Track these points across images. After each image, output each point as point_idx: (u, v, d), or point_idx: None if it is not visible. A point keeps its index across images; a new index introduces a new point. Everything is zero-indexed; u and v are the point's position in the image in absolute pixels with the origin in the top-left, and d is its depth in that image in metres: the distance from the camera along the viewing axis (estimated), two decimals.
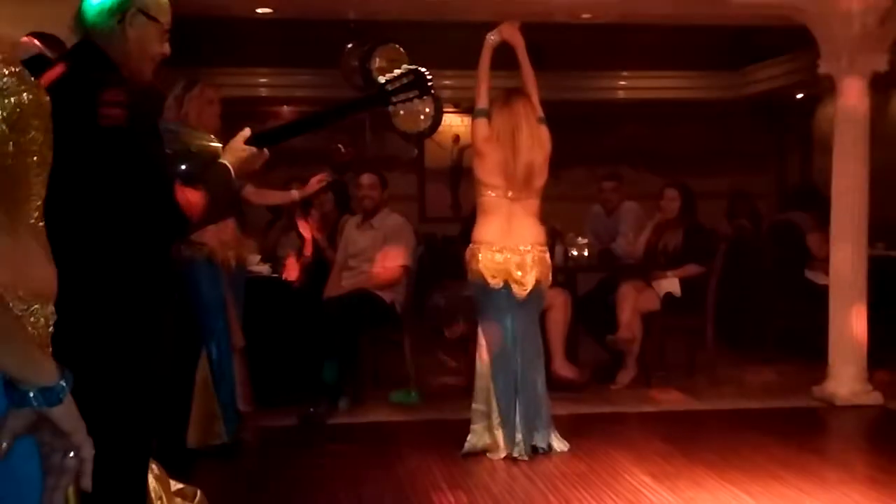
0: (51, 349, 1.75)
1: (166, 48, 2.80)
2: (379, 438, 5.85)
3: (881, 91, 8.76)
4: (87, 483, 1.53)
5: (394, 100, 3.28)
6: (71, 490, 1.58)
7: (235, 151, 2.94)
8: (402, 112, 3.76)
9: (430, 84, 3.31)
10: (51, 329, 1.75)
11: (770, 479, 4.88)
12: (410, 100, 3.31)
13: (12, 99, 1.70)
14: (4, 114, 1.68)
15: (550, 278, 5.46)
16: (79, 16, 2.71)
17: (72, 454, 1.50)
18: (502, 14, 6.08)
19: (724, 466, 5.11)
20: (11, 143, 1.69)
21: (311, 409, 6.05)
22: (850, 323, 6.53)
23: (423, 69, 3.29)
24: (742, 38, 10.12)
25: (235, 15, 8.11)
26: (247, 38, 9.22)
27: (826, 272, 6.93)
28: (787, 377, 7.27)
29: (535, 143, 5.28)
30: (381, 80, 3.25)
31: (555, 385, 6.41)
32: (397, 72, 3.27)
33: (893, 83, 9.17)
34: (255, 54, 10.03)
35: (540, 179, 5.31)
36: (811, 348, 7.01)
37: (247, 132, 2.97)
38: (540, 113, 5.36)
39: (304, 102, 11.42)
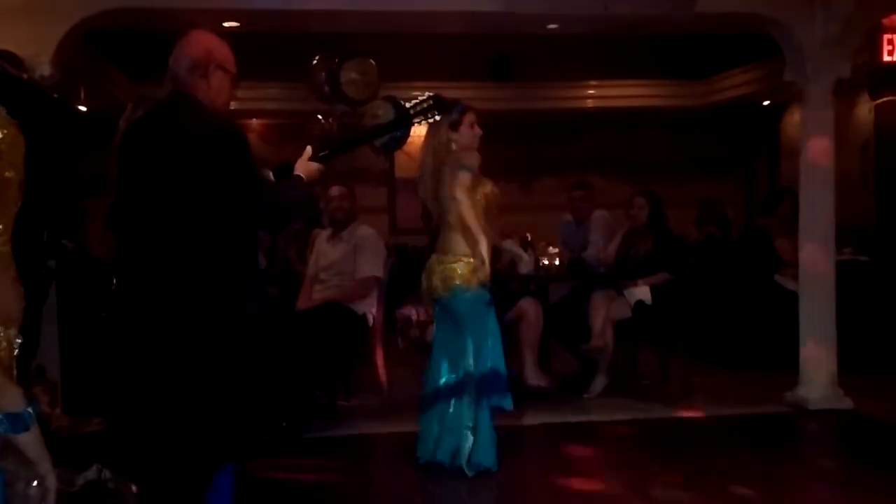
0: (16, 373, 1.72)
1: (234, 91, 3.55)
2: (351, 451, 5.82)
3: (846, 97, 8.86)
4: None
5: (415, 120, 4.17)
6: None
7: (306, 165, 3.54)
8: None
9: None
10: (15, 353, 1.73)
11: (743, 486, 4.89)
12: (428, 118, 4.27)
13: None
14: None
15: (459, 285, 5.12)
16: (171, 72, 3.42)
17: (35, 483, 1.48)
18: (470, 26, 6.10)
19: (698, 474, 5.12)
20: None
21: (283, 424, 6.00)
22: (821, 328, 6.57)
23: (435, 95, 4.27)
24: (708, 46, 10.20)
25: (203, 29, 8.06)
26: None
27: (796, 278, 6.98)
28: (759, 383, 7.29)
29: (434, 191, 5.27)
30: (407, 105, 4.14)
31: (527, 394, 6.42)
32: (420, 98, 4.22)
33: (857, 89, 9.27)
34: None
35: (449, 215, 5.20)
36: (782, 354, 7.04)
37: (309, 150, 3.58)
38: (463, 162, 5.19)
39: (272, 115, 11.42)
